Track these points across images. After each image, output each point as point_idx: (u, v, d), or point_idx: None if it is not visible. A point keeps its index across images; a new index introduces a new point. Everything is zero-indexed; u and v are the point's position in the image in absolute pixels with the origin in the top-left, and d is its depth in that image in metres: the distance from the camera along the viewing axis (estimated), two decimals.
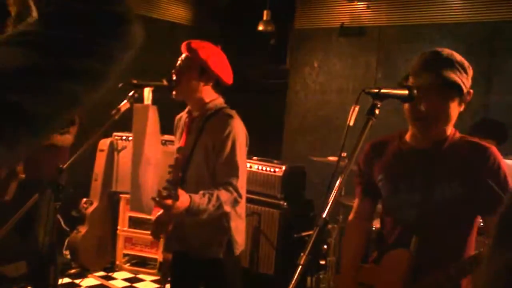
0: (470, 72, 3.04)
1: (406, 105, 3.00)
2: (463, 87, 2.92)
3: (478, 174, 2.91)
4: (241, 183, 3.83)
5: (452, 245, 3.00)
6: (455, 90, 2.93)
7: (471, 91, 3.05)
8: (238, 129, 3.86)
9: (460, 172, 2.94)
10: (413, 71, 3.05)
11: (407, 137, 3.18)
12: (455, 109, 2.99)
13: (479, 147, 2.98)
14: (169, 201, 3.44)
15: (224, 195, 3.70)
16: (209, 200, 3.62)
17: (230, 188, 3.74)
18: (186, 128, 4.07)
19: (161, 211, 3.91)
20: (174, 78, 3.94)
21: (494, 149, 2.97)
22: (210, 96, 3.99)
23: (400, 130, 3.26)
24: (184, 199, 3.50)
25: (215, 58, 3.96)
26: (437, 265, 2.87)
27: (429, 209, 2.99)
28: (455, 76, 2.91)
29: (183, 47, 3.99)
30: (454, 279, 2.85)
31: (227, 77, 4.03)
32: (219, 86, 4.04)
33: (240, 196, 3.80)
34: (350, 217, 3.51)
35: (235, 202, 3.80)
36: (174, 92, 3.94)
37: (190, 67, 3.91)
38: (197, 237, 3.97)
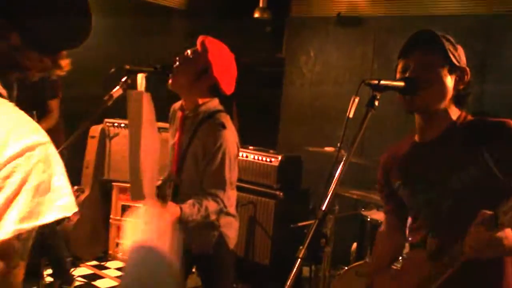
0: (459, 47, 2.93)
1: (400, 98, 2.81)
2: (451, 56, 2.78)
3: (500, 151, 2.63)
4: (228, 195, 3.86)
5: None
6: (443, 57, 2.79)
7: (467, 69, 2.91)
8: (230, 141, 3.82)
9: (476, 155, 2.66)
10: (400, 53, 2.96)
11: (416, 137, 2.99)
12: (447, 80, 2.81)
13: (496, 123, 2.71)
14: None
15: (212, 205, 3.75)
16: (198, 210, 3.67)
17: (218, 200, 3.78)
18: (180, 127, 4.03)
19: None
20: (175, 66, 3.87)
21: (509, 121, 2.67)
22: (203, 96, 3.94)
23: (409, 135, 3.08)
24: (174, 211, 3.56)
25: (222, 63, 3.88)
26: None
27: (447, 203, 2.77)
28: (442, 43, 2.78)
29: (199, 41, 3.91)
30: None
31: (227, 86, 3.94)
32: (216, 91, 3.94)
33: (225, 206, 3.85)
34: (381, 228, 3.39)
35: (220, 212, 3.86)
36: (170, 82, 3.89)
37: (195, 61, 3.86)
38: (188, 233, 3.90)
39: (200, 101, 3.92)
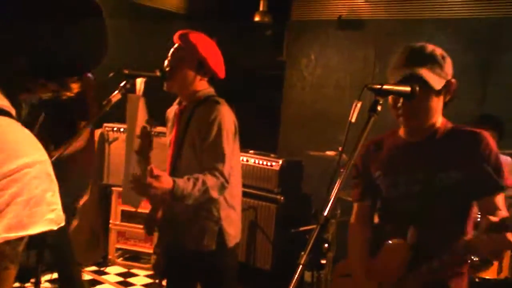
0: (448, 60, 3.02)
1: (390, 100, 3.03)
2: (435, 84, 2.91)
3: (472, 159, 2.95)
4: (229, 169, 3.72)
5: (450, 234, 3.01)
6: (429, 87, 2.91)
7: (453, 80, 3.03)
8: (225, 115, 3.77)
9: (456, 160, 2.99)
10: (389, 69, 3.09)
11: (401, 132, 3.21)
12: (435, 102, 3.00)
13: (471, 133, 3.02)
14: (150, 179, 3.35)
15: (210, 179, 3.61)
16: (194, 184, 3.53)
17: (216, 173, 3.64)
18: (177, 119, 3.99)
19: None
20: (168, 69, 3.84)
21: (485, 133, 3.01)
22: (202, 86, 3.92)
23: (393, 129, 3.28)
24: (166, 180, 3.43)
25: (213, 54, 3.89)
26: (434, 255, 2.93)
27: (429, 199, 3.03)
28: (426, 73, 2.90)
29: (178, 37, 3.89)
30: (447, 265, 2.92)
31: (221, 72, 3.97)
32: (212, 80, 3.97)
33: (227, 181, 3.70)
34: (352, 219, 3.50)
35: (222, 187, 3.70)
36: (166, 84, 3.86)
37: (187, 60, 3.83)
38: (188, 229, 3.87)
39: (198, 89, 3.89)
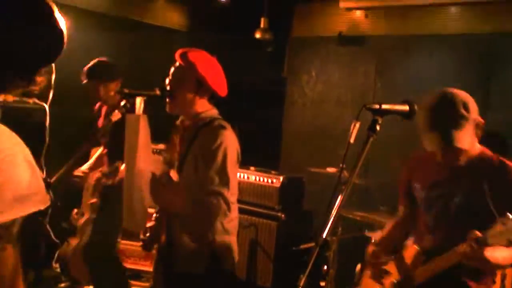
0: (471, 106, 3.27)
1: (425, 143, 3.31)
2: (464, 145, 3.19)
3: (494, 187, 3.20)
4: (230, 196, 3.71)
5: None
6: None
7: (481, 120, 3.30)
8: (230, 142, 3.76)
9: (477, 185, 3.23)
10: (420, 126, 3.28)
11: (437, 156, 3.42)
12: (469, 140, 3.25)
13: (494, 163, 3.33)
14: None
15: (214, 205, 3.61)
16: (200, 207, 3.61)
17: (221, 199, 3.62)
18: (179, 138, 3.96)
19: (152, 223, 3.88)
20: (168, 89, 3.83)
21: (508, 164, 3.31)
22: (204, 107, 3.89)
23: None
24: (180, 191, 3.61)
25: (213, 72, 3.87)
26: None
27: (447, 216, 3.37)
28: (458, 135, 3.15)
29: (179, 56, 3.86)
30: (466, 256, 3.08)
31: (222, 90, 3.93)
32: (213, 98, 3.94)
33: (229, 209, 3.69)
34: (396, 218, 3.94)
35: (224, 213, 3.70)
36: (168, 106, 3.85)
37: (186, 79, 3.81)
38: (181, 251, 3.83)
39: (200, 110, 3.86)
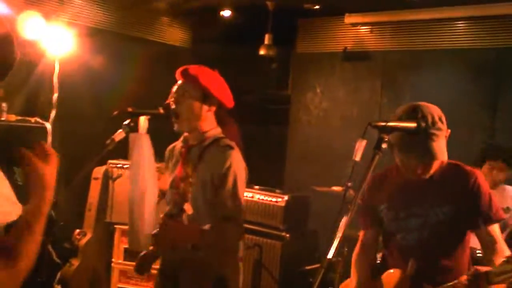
0: (443, 118, 3.15)
1: (397, 159, 3.21)
2: (443, 157, 3.12)
3: (464, 196, 3.19)
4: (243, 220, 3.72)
5: (445, 267, 3.24)
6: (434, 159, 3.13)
7: (448, 131, 3.16)
8: (239, 163, 3.70)
9: (449, 196, 3.20)
10: (395, 142, 3.13)
11: (402, 170, 3.30)
12: (444, 151, 3.15)
13: (464, 172, 3.26)
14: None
15: (229, 230, 3.59)
16: (216, 234, 3.52)
17: (234, 224, 3.60)
18: (183, 158, 3.86)
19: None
20: (173, 107, 3.75)
21: (477, 172, 3.28)
22: (210, 124, 3.82)
23: (394, 166, 3.37)
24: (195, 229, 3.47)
25: (216, 83, 3.81)
26: (430, 285, 3.15)
27: (425, 233, 3.22)
28: (438, 148, 3.06)
29: (180, 74, 3.82)
30: None
31: (228, 101, 3.88)
32: (220, 110, 3.87)
33: (243, 233, 3.72)
34: (356, 249, 3.62)
35: (239, 238, 3.74)
36: (175, 125, 3.79)
37: (190, 94, 3.74)
38: (187, 274, 3.74)
39: (206, 128, 3.79)
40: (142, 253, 3.89)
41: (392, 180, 3.40)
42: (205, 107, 3.77)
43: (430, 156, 3.05)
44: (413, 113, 3.03)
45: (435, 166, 3.17)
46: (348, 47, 8.09)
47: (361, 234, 3.64)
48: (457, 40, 7.26)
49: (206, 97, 3.76)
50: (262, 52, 8.13)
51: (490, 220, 3.21)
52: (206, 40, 8.63)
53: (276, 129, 8.71)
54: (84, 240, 6.81)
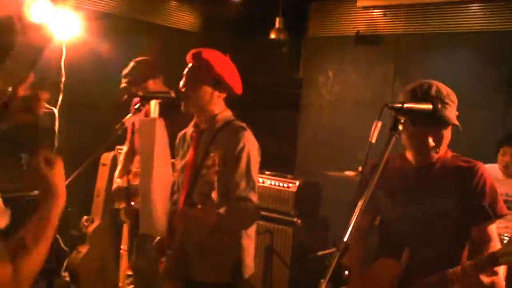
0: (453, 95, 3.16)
1: (404, 138, 3.22)
2: (454, 119, 3.09)
3: (467, 190, 3.14)
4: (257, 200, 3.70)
5: (442, 259, 3.15)
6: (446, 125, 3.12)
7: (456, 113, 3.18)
8: (253, 144, 3.72)
9: (451, 188, 3.17)
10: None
11: (408, 156, 3.34)
12: (446, 138, 3.17)
13: (466, 166, 3.21)
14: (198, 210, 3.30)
15: (246, 210, 3.60)
16: (234, 215, 3.54)
17: (250, 204, 3.60)
18: (194, 142, 3.84)
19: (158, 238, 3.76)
20: (184, 89, 3.74)
21: (481, 167, 3.20)
22: (220, 108, 3.82)
23: (400, 151, 3.40)
24: (212, 214, 3.39)
25: (228, 69, 3.80)
26: (424, 275, 3.08)
27: (424, 222, 3.18)
28: (449, 114, 3.06)
29: (192, 56, 3.78)
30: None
31: (238, 87, 3.87)
32: (230, 96, 3.87)
33: (259, 213, 3.72)
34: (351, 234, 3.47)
35: (256, 218, 3.74)
36: (184, 106, 3.78)
37: (203, 78, 3.73)
38: (202, 261, 3.71)
39: (216, 111, 3.79)
40: (156, 240, 3.79)
41: (394, 167, 3.36)
42: (216, 93, 3.76)
43: (443, 120, 3.04)
44: (428, 89, 3.05)
45: (445, 140, 3.18)
46: (361, 31, 8.01)
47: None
48: (471, 23, 7.18)
49: (218, 83, 3.74)
50: (273, 36, 8.09)
51: (490, 218, 3.18)
52: (215, 24, 8.57)
53: (287, 113, 8.68)
54: (92, 227, 6.76)
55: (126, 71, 5.41)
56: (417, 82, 3.14)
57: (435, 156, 3.21)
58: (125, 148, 5.52)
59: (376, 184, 3.29)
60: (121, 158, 5.55)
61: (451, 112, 3.06)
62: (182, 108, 3.77)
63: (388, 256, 3.28)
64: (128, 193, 5.25)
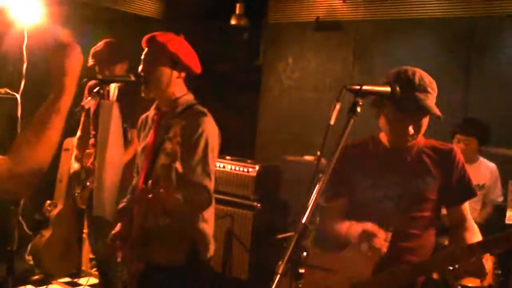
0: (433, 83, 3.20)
1: (382, 122, 3.26)
2: (434, 109, 3.10)
3: (447, 172, 3.27)
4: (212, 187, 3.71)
5: (418, 235, 3.25)
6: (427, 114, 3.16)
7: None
8: (212, 130, 3.72)
9: (432, 169, 3.26)
10: (387, 109, 3.21)
11: (382, 139, 3.38)
12: (425, 126, 3.21)
13: (445, 148, 3.35)
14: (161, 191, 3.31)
15: (199, 197, 3.61)
16: (187, 201, 3.50)
17: (204, 191, 3.62)
18: (155, 125, 3.85)
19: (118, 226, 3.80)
20: (142, 74, 3.74)
21: (456, 149, 3.36)
22: (181, 90, 3.83)
23: (372, 135, 3.45)
24: (170, 196, 3.40)
25: (184, 49, 3.80)
26: (403, 256, 3.16)
27: (405, 202, 3.21)
28: (431, 103, 3.10)
29: (147, 41, 3.80)
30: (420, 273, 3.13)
31: (197, 66, 3.88)
32: (189, 76, 3.87)
33: (211, 200, 3.70)
34: (327, 219, 3.60)
35: (208, 205, 3.71)
36: (144, 91, 3.76)
37: (160, 60, 3.73)
38: (159, 244, 3.72)
39: (178, 94, 3.80)
40: (112, 233, 3.82)
41: (367, 150, 3.41)
42: (175, 73, 3.76)
43: (425, 110, 3.07)
44: (412, 76, 3.09)
45: (424, 128, 3.20)
46: (320, 17, 8.03)
47: (331, 206, 3.55)
48: (429, 10, 7.24)
49: (175, 63, 3.75)
50: (233, 22, 8.11)
51: (466, 198, 3.35)
52: (177, 11, 8.55)
53: (247, 99, 8.67)
54: (55, 212, 6.78)
55: (95, 50, 5.40)
56: (400, 67, 3.16)
57: (411, 141, 3.25)
58: (78, 132, 5.49)
59: (351, 168, 3.35)
60: (75, 144, 5.53)
61: (432, 102, 3.10)
62: (142, 93, 3.77)
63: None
64: (82, 177, 5.27)
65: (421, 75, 3.12)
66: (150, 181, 3.49)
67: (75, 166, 5.36)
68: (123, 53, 5.47)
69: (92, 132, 5.24)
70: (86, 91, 5.47)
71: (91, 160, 5.08)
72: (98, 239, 5.19)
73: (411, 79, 3.07)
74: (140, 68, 3.78)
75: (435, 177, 3.25)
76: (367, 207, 3.32)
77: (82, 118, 5.39)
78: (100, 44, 5.41)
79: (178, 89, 3.81)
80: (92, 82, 5.48)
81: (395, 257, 3.08)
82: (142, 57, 3.80)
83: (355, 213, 3.36)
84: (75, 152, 5.48)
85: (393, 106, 3.10)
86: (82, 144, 5.44)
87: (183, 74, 3.81)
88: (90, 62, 5.34)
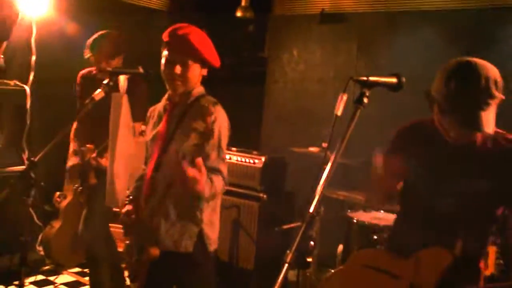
0: (499, 83, 3.10)
1: (436, 119, 3.12)
2: (489, 129, 2.94)
3: (509, 172, 3.05)
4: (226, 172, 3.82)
5: (478, 236, 3.19)
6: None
7: (502, 97, 3.05)
8: (224, 118, 3.83)
9: (493, 168, 3.07)
10: (438, 102, 3.07)
11: (445, 132, 3.16)
12: (493, 122, 2.99)
13: (509, 142, 3.13)
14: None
15: (217, 182, 3.68)
16: (210, 187, 3.60)
17: (220, 176, 3.71)
18: (167, 114, 3.92)
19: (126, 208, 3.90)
20: (179, 74, 3.76)
21: None
22: (198, 83, 3.93)
23: (430, 118, 3.24)
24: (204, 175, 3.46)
25: (210, 47, 3.88)
26: (467, 260, 3.06)
27: (467, 200, 3.05)
28: (486, 118, 2.91)
29: (177, 39, 3.78)
30: None
31: (217, 62, 3.95)
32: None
33: (226, 185, 3.79)
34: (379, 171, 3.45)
35: (223, 189, 3.80)
36: (175, 88, 3.83)
37: (193, 60, 3.78)
38: (168, 230, 3.81)
39: (192, 87, 3.88)
40: (123, 218, 3.91)
41: (428, 133, 3.25)
42: (203, 72, 3.88)
43: (474, 126, 2.91)
44: (468, 72, 3.07)
45: (479, 136, 3.10)
46: (325, 9, 8.07)
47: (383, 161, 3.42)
48: (434, 1, 7.24)
49: (204, 63, 3.84)
50: (239, 14, 8.13)
51: None
52: (182, 3, 8.59)
53: (253, 91, 8.73)
54: (64, 203, 6.82)
55: (91, 42, 5.46)
56: (454, 64, 3.18)
57: (470, 141, 3.12)
58: (74, 124, 5.53)
59: (409, 148, 3.28)
60: (71, 136, 5.55)
61: (488, 114, 2.93)
62: (172, 90, 3.85)
63: (411, 227, 3.28)
64: (83, 170, 5.32)
65: (487, 75, 3.07)
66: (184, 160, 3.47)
67: (73, 159, 5.41)
68: (121, 45, 5.51)
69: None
70: (78, 79, 5.55)
71: (94, 155, 5.11)
72: (85, 228, 5.39)
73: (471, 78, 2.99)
74: (177, 68, 3.75)
75: (500, 176, 3.05)
76: (415, 196, 3.32)
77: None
78: (96, 36, 5.45)
79: (197, 83, 3.91)
80: (85, 71, 5.56)
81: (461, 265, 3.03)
82: (171, 54, 3.78)
83: (405, 199, 3.44)
84: (72, 145, 5.52)
85: (443, 110, 3.03)
86: (79, 137, 5.48)
87: (206, 70, 3.90)
88: (87, 55, 5.39)
